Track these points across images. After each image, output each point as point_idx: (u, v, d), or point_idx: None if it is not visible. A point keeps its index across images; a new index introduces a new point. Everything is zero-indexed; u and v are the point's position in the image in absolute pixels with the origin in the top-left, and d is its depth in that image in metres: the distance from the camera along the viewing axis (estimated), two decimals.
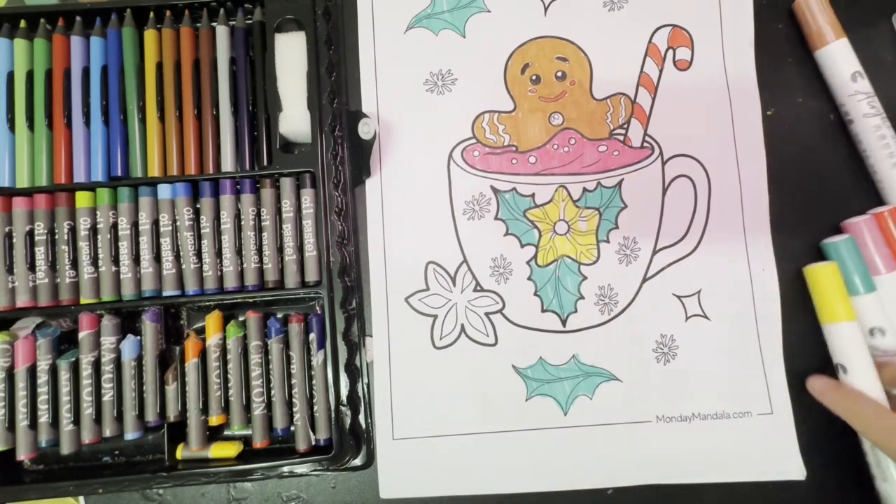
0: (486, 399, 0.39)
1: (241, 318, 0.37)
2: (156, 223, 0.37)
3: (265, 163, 0.37)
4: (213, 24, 0.39)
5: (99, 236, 0.37)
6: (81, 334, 0.36)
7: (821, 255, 0.40)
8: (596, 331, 0.39)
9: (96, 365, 0.36)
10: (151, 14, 0.38)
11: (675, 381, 0.39)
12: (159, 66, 0.38)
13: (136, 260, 0.37)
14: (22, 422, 0.35)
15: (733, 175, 0.40)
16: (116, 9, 0.38)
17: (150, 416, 0.36)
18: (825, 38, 0.40)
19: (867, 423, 0.34)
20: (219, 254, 0.37)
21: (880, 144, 0.39)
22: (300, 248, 0.37)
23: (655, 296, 0.39)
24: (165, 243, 0.37)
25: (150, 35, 0.38)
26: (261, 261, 0.37)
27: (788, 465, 0.38)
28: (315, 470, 0.37)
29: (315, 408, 0.36)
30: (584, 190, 0.40)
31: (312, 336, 0.37)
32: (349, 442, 0.37)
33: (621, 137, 0.40)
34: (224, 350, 0.37)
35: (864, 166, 0.41)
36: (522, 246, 0.40)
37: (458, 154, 0.40)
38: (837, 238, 0.38)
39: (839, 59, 0.40)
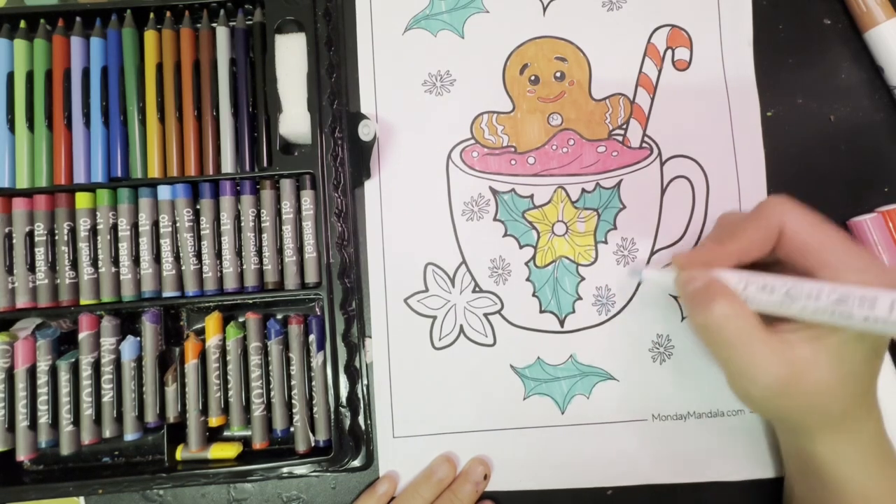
0: (485, 398, 0.39)
1: (240, 320, 0.37)
2: (156, 224, 0.37)
3: (265, 164, 0.37)
4: (214, 24, 0.38)
5: (99, 237, 0.37)
6: (81, 335, 0.36)
7: None
8: (593, 331, 0.39)
9: (96, 366, 0.36)
10: (151, 15, 0.38)
11: (671, 380, 0.39)
12: (159, 67, 0.38)
13: (136, 261, 0.37)
14: (22, 422, 0.35)
15: (731, 175, 0.40)
16: (116, 9, 0.38)
17: (150, 416, 0.36)
18: (875, 19, 0.40)
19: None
20: (218, 255, 0.37)
21: None
22: (300, 250, 0.37)
23: (652, 297, 0.39)
24: (165, 244, 0.37)
25: (150, 36, 0.38)
26: (260, 262, 0.37)
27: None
28: (314, 471, 0.37)
29: (315, 409, 0.36)
30: (583, 191, 0.40)
31: (312, 337, 0.37)
32: (349, 443, 0.37)
33: (620, 138, 0.40)
34: (224, 351, 0.37)
35: (864, 167, 0.41)
36: (521, 247, 0.40)
37: (456, 155, 0.41)
38: None
39: (891, 38, 0.40)
